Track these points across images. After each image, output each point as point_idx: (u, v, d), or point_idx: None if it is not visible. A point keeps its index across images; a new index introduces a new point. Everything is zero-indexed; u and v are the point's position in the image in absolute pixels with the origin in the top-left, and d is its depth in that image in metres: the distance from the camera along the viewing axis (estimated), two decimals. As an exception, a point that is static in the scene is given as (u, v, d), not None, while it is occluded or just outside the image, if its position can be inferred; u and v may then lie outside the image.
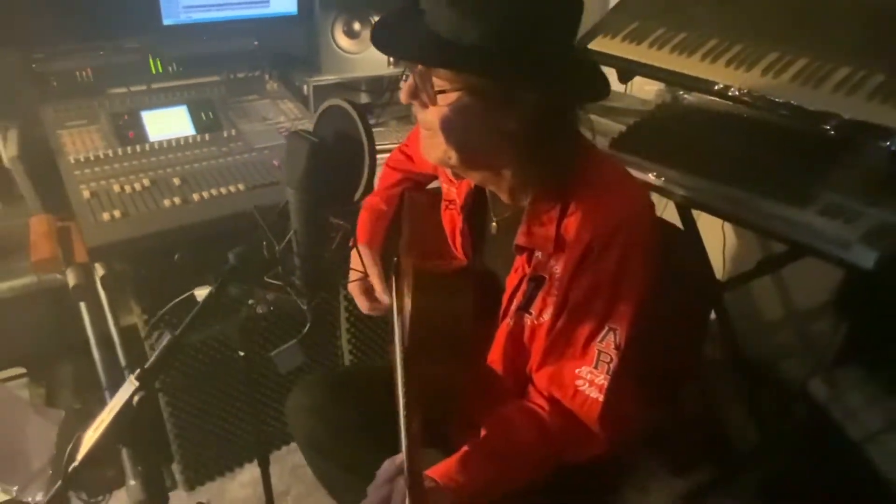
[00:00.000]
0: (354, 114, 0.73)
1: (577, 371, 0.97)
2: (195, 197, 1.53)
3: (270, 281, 0.83)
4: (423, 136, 0.93)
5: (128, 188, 1.52)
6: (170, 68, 1.92)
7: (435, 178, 1.40)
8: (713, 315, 1.97)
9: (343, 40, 2.09)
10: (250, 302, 1.21)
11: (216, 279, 0.81)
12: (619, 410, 0.97)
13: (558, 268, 0.96)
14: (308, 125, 1.86)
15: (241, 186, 1.58)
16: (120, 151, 1.62)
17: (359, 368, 1.89)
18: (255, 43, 2.05)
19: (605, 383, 0.95)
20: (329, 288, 1.02)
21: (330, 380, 1.27)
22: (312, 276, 0.81)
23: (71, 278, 1.41)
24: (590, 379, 0.96)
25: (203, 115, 1.82)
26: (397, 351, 1.06)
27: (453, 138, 0.88)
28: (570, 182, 0.93)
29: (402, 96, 0.89)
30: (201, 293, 1.19)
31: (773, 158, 1.53)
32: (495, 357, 1.07)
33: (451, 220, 1.17)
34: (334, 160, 0.74)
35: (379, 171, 1.32)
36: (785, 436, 1.85)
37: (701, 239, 1.79)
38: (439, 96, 0.85)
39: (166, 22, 1.87)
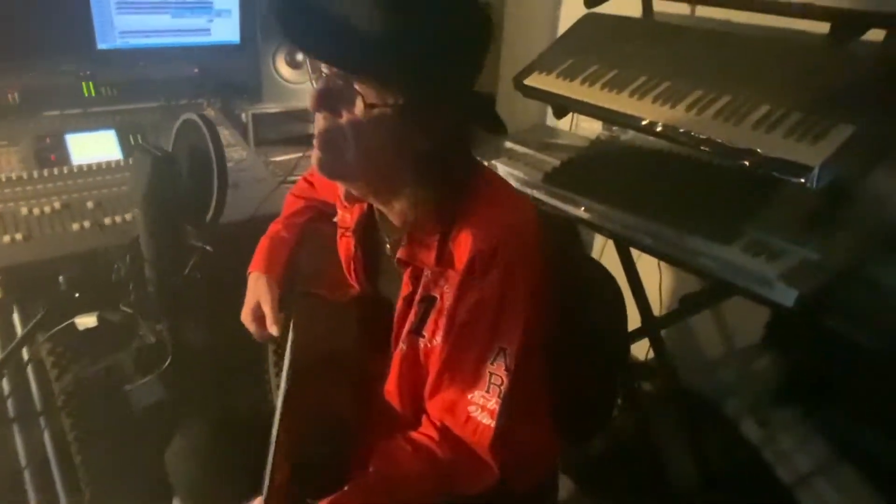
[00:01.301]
0: (204, 127, 0.69)
1: (469, 396, 0.92)
2: (107, 221, 1.47)
3: (124, 309, 0.78)
4: (323, 150, 0.87)
5: (36, 211, 1.46)
6: (104, 92, 1.89)
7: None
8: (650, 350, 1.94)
9: (285, 70, 2.08)
10: (141, 333, 1.16)
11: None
12: (513, 437, 0.93)
13: (448, 288, 0.92)
14: (242, 153, 1.84)
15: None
16: (36, 174, 1.57)
17: (250, 407, 1.80)
18: (196, 71, 2.03)
19: (497, 408, 0.90)
20: (187, 314, 0.96)
21: (214, 420, 1.19)
22: (164, 301, 0.76)
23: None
24: (482, 404, 0.91)
25: (132, 139, 1.78)
26: (281, 386, 1.01)
27: (363, 153, 0.85)
28: (461, 201, 0.90)
29: (313, 103, 0.83)
30: (84, 321, 1.14)
31: (702, 196, 1.52)
32: (392, 387, 1.02)
33: (346, 247, 1.13)
34: (184, 176, 0.70)
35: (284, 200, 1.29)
36: (724, 474, 1.79)
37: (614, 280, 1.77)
38: (362, 106, 0.81)
39: (101, 46, 1.85)
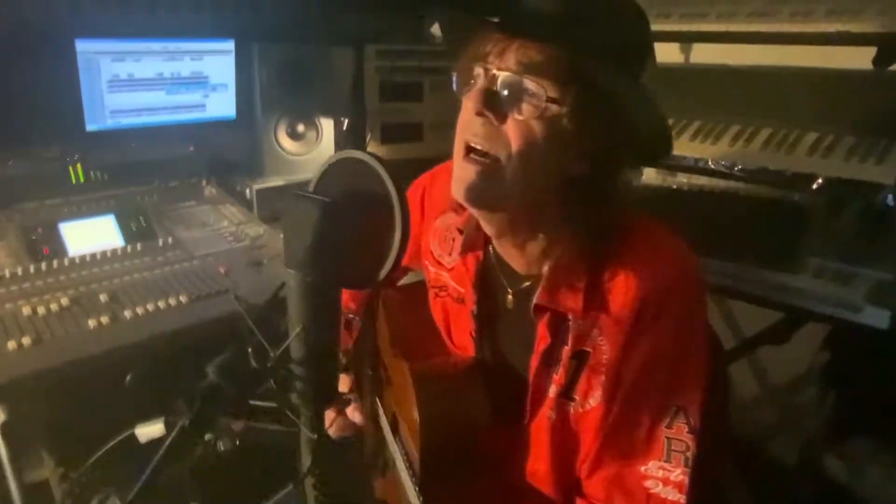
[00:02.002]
0: (378, 166, 0.58)
1: (643, 469, 0.80)
2: (127, 314, 1.29)
3: (258, 403, 0.63)
4: (480, 173, 0.75)
5: (41, 310, 1.26)
6: (93, 176, 1.71)
7: (407, 271, 1.24)
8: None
9: (287, 142, 1.98)
10: (207, 437, 0.97)
11: (173, 411, 0.59)
12: None
13: (604, 339, 0.80)
14: (258, 229, 1.69)
15: (182, 298, 1.36)
16: (32, 269, 1.37)
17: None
18: (191, 148, 1.90)
19: (685, 479, 0.78)
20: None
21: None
22: (323, 388, 0.62)
23: (-38, 428, 1.11)
24: (663, 477, 0.79)
25: (133, 224, 1.61)
26: (405, 480, 0.85)
27: (530, 167, 0.74)
28: (609, 244, 0.80)
29: (479, 102, 0.72)
30: (145, 431, 0.95)
31: (751, 230, 1.50)
32: (539, 466, 0.87)
33: (444, 308, 1.01)
34: (354, 227, 0.58)
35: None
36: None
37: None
38: (535, 105, 0.71)
39: (90, 128, 1.70)
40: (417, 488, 0.82)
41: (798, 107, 1.49)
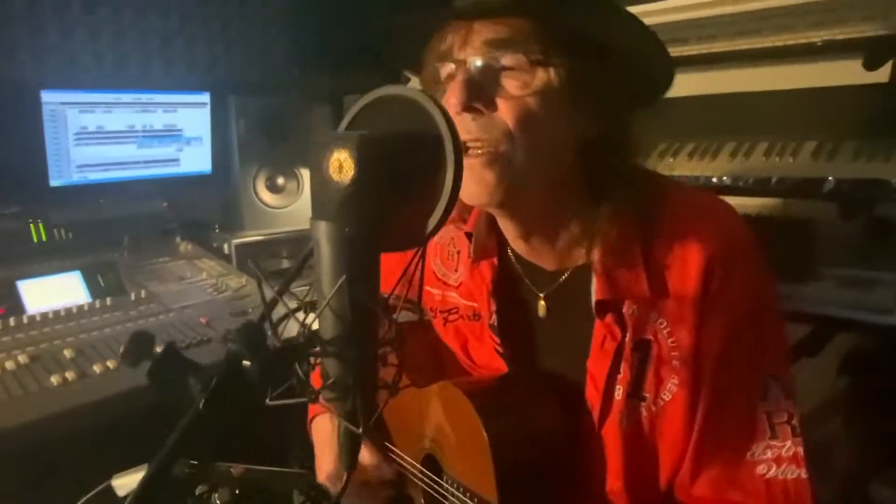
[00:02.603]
0: (422, 97, 0.49)
1: (749, 456, 0.69)
2: (96, 369, 1.13)
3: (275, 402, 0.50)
4: (474, 171, 0.66)
5: (-5, 369, 1.10)
6: (57, 234, 1.58)
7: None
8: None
9: (266, 195, 1.89)
10: (199, 490, 0.82)
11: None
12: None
13: (668, 325, 0.70)
14: (240, 280, 1.57)
15: (159, 350, 1.20)
16: (-15, 328, 1.21)
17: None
18: (164, 204, 1.78)
19: (798, 450, 0.68)
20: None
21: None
22: (367, 369, 0.50)
23: None
24: (774, 457, 0.68)
25: (101, 279, 1.46)
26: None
27: (536, 142, 0.65)
28: (653, 207, 0.71)
29: (462, 97, 0.63)
30: (124, 482, 0.80)
31: (769, 243, 1.45)
32: (613, 482, 0.74)
33: (458, 332, 0.90)
34: (394, 168, 0.48)
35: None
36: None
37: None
38: (518, 80, 0.64)
39: (54, 183, 1.58)
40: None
41: (791, 122, 1.48)
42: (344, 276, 0.46)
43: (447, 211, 0.49)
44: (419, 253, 0.51)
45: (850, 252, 1.38)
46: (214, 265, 1.64)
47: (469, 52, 0.66)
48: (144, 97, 1.69)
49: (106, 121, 1.63)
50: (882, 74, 1.38)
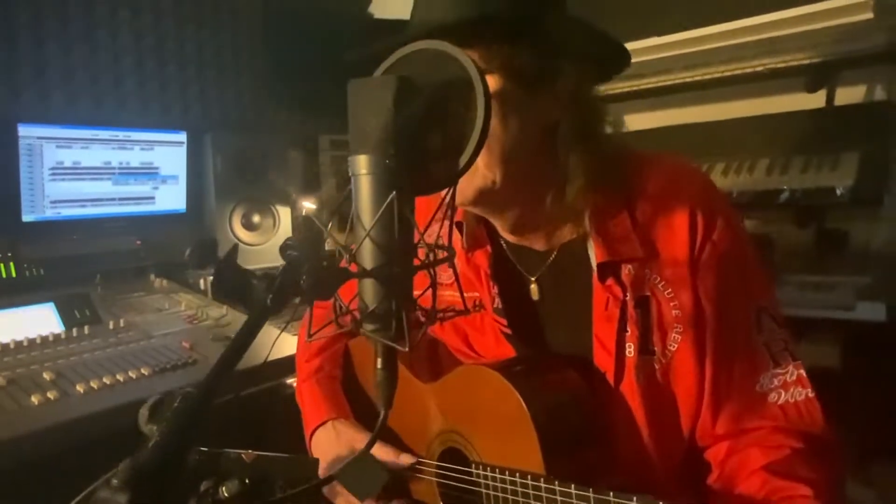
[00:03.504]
0: (456, 49, 0.54)
1: (758, 388, 0.72)
2: (78, 389, 1.09)
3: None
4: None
5: (-31, 392, 1.05)
6: (27, 271, 1.53)
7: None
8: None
9: (242, 232, 1.90)
10: (203, 486, 0.79)
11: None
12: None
13: (662, 279, 0.74)
14: (221, 310, 1.55)
15: (144, 371, 1.18)
16: (-46, 357, 1.16)
17: None
18: (138, 242, 1.76)
19: (800, 371, 0.73)
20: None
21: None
22: (407, 293, 0.52)
23: None
24: (781, 384, 0.72)
25: (76, 311, 1.42)
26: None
27: (499, 144, 0.69)
28: (627, 174, 0.76)
29: None
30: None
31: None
32: (648, 441, 0.75)
33: (456, 328, 0.91)
34: (429, 105, 0.52)
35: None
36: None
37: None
38: None
39: (26, 218, 1.56)
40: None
41: (743, 144, 1.61)
42: (394, 193, 0.49)
43: (479, 146, 0.53)
44: (453, 188, 0.54)
45: (806, 261, 1.48)
46: (192, 298, 1.61)
47: None
48: (122, 134, 1.70)
49: (83, 156, 1.63)
50: (819, 100, 1.53)
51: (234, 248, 0.44)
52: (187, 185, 1.85)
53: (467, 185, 0.71)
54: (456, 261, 0.89)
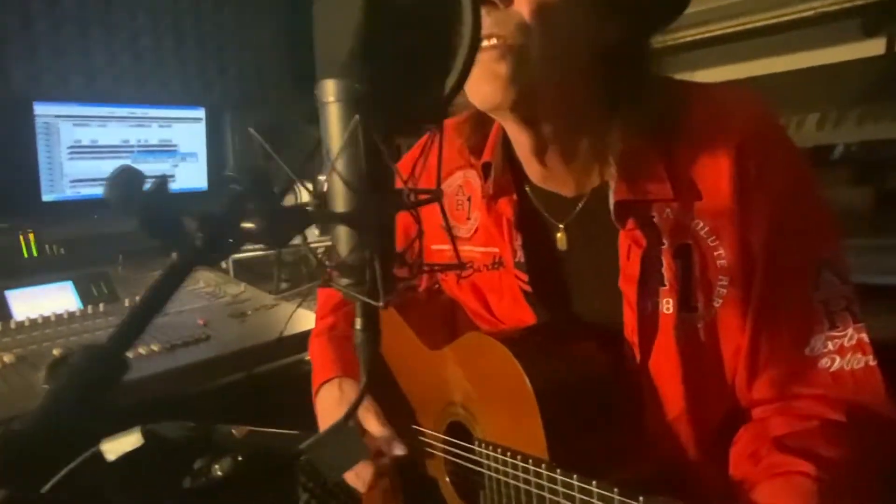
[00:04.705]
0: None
1: (808, 351, 0.63)
2: (87, 365, 1.06)
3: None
4: (486, 67, 0.61)
5: (-21, 367, 1.03)
6: (48, 249, 1.53)
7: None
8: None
9: (263, 210, 1.86)
10: (197, 464, 0.75)
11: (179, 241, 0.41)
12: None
13: (704, 220, 0.65)
14: (237, 288, 1.51)
15: (154, 347, 1.15)
16: (-32, 333, 1.15)
17: None
18: (159, 221, 1.74)
19: (862, 335, 0.63)
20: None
21: None
22: (383, 241, 0.45)
23: None
24: (836, 348, 0.63)
25: (94, 289, 1.40)
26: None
27: (553, 38, 0.61)
28: (673, 110, 0.67)
29: None
30: (114, 446, 0.73)
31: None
32: (671, 409, 0.68)
33: (475, 286, 0.84)
34: (405, 19, 0.44)
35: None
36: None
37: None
38: None
39: (46, 198, 1.55)
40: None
41: (790, 98, 1.48)
42: (357, 117, 0.41)
43: (466, 66, 0.45)
44: (438, 129, 0.47)
45: (864, 223, 1.35)
46: (212, 275, 1.58)
47: None
48: (140, 111, 1.67)
49: (100, 135, 1.61)
50: (878, 46, 1.38)
51: (164, 179, 0.38)
52: (208, 162, 1.82)
53: (512, 78, 0.62)
54: (477, 210, 0.82)
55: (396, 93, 0.46)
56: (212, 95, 1.85)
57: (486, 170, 0.77)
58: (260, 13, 1.99)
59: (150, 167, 1.72)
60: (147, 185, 0.38)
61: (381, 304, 0.43)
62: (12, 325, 1.20)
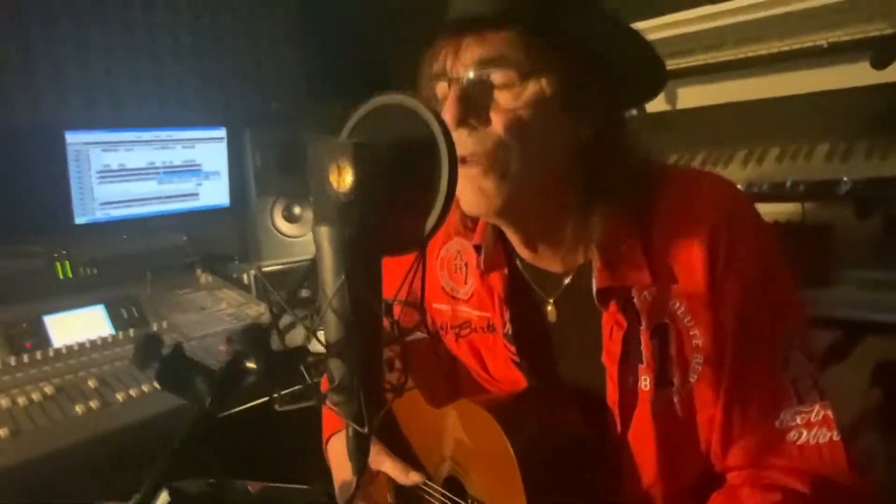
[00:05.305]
0: (415, 102, 0.50)
1: (778, 424, 0.68)
2: (119, 397, 1.15)
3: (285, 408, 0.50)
4: (472, 181, 0.68)
5: (22, 400, 1.12)
6: (81, 271, 1.62)
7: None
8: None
9: (284, 225, 1.93)
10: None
11: (191, 396, 0.47)
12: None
13: (680, 301, 0.70)
14: (259, 308, 1.59)
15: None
16: (13, 362, 1.24)
17: None
18: (184, 238, 1.82)
19: (827, 412, 0.68)
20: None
21: None
22: (370, 373, 0.50)
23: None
24: (803, 422, 0.68)
25: (124, 312, 1.49)
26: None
27: (530, 151, 0.66)
28: (649, 198, 0.72)
29: (455, 114, 0.65)
30: None
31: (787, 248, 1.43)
32: (645, 476, 0.73)
33: (472, 346, 0.89)
34: (390, 171, 0.49)
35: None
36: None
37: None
38: (509, 93, 0.66)
39: (78, 221, 1.63)
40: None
41: (801, 126, 1.48)
42: (344, 276, 0.47)
43: (444, 211, 0.50)
44: (421, 255, 0.52)
45: (869, 253, 1.35)
46: (234, 295, 1.66)
47: (461, 69, 0.68)
48: (164, 134, 1.74)
49: (127, 159, 1.69)
50: (891, 74, 1.37)
51: (179, 346, 0.44)
52: (230, 179, 1.89)
53: (497, 191, 0.68)
54: (472, 277, 0.87)
55: (383, 233, 0.50)
56: (231, 114, 1.91)
57: (477, 248, 0.82)
58: (276, 34, 2.03)
59: (175, 187, 1.79)
60: (166, 350, 0.44)
61: (365, 430, 0.49)
62: (51, 353, 1.29)
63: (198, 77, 1.88)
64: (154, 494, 0.43)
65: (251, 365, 0.45)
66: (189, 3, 1.87)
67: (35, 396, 1.14)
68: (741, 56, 1.47)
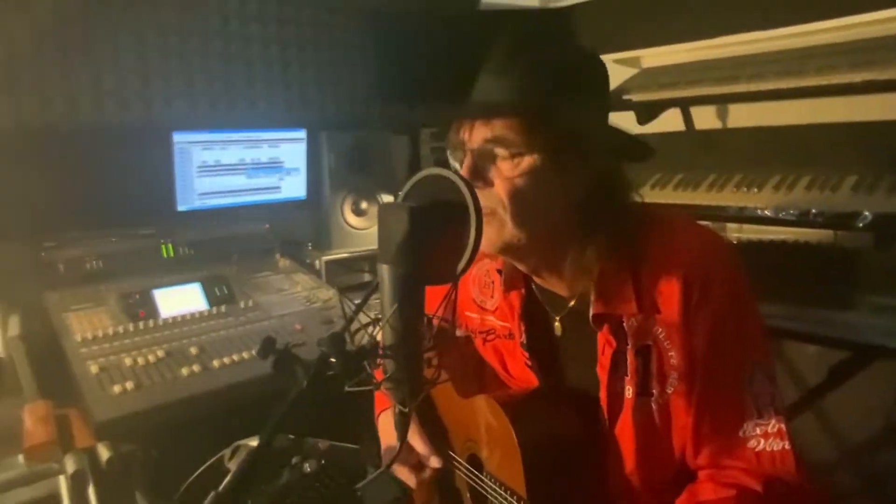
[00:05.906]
0: (455, 177, 0.69)
1: (741, 434, 0.84)
2: (215, 364, 1.41)
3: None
4: (486, 224, 0.85)
5: (140, 360, 1.39)
6: (181, 251, 1.90)
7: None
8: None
9: (352, 218, 2.15)
10: (294, 461, 1.04)
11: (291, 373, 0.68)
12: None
13: (662, 327, 0.86)
14: (328, 293, 1.82)
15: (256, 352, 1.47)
16: (131, 328, 1.52)
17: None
18: (267, 226, 2.08)
19: (781, 426, 0.83)
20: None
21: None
22: (413, 370, 0.70)
23: (70, 464, 1.20)
24: (762, 433, 0.83)
25: (217, 290, 1.76)
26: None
27: (524, 211, 0.84)
28: (638, 241, 0.88)
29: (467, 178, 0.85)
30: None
31: (808, 272, 1.52)
32: (632, 469, 0.90)
33: (496, 349, 1.08)
34: (434, 228, 0.68)
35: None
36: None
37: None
38: (509, 164, 0.83)
39: (181, 208, 1.90)
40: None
41: (834, 156, 1.56)
42: (396, 304, 0.66)
43: (471, 256, 0.69)
44: (454, 286, 0.71)
45: (885, 279, 1.43)
46: (307, 279, 1.90)
47: (473, 142, 0.86)
48: (253, 135, 1.99)
49: (222, 156, 1.95)
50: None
51: (287, 345, 0.64)
52: (307, 175, 2.13)
53: (496, 237, 0.86)
54: (497, 292, 1.06)
55: (426, 271, 0.70)
56: (311, 118, 2.15)
57: (499, 271, 1.01)
58: (350, 48, 2.24)
59: (261, 181, 2.05)
60: (279, 346, 0.65)
61: (406, 409, 0.69)
62: (161, 322, 1.56)
63: (283, 85, 2.11)
64: (269, 442, 0.64)
65: (333, 361, 0.65)
66: (278, 18, 2.10)
67: (151, 358, 1.40)
68: (780, 87, 1.57)
